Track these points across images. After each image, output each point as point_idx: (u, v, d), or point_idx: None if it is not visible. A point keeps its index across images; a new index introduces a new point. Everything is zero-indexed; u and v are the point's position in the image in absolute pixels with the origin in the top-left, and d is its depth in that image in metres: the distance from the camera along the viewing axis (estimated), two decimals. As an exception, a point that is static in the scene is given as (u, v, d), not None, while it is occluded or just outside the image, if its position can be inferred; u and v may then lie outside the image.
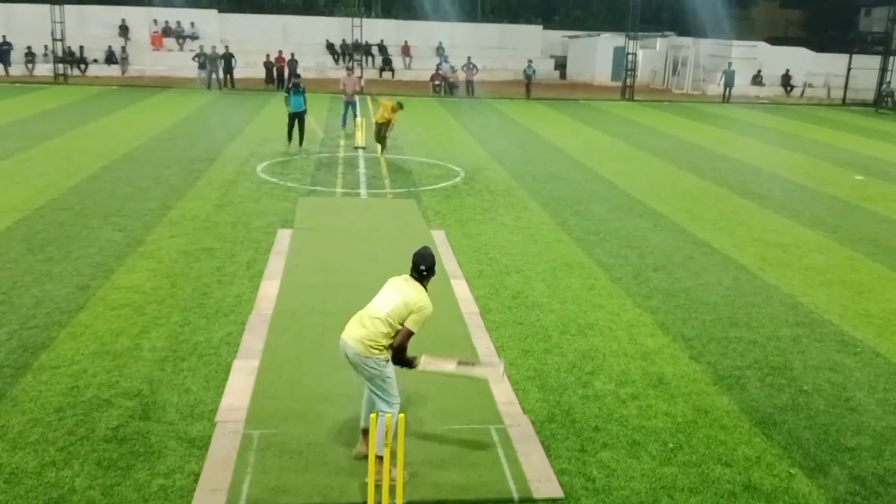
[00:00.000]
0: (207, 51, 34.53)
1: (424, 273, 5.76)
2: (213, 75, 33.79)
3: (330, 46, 41.68)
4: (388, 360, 5.66)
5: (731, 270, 10.99)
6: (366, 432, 5.77)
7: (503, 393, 7.06)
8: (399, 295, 5.64)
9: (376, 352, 5.56)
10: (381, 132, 18.97)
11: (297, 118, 19.10)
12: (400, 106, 18.96)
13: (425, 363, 5.80)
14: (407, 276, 5.79)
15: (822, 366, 7.96)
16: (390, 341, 5.60)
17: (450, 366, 5.93)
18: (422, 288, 5.71)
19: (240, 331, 8.25)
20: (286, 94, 19.73)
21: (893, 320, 9.35)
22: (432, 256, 5.83)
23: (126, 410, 6.52)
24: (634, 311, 9.31)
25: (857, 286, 10.57)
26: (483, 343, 8.18)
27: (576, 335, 8.50)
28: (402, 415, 5.35)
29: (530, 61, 35.81)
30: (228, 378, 7.13)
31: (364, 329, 5.61)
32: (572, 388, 7.25)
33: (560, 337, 8.43)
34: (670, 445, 6.32)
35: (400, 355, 5.65)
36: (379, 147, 19.02)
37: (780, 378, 7.63)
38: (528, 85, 35.24)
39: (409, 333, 5.60)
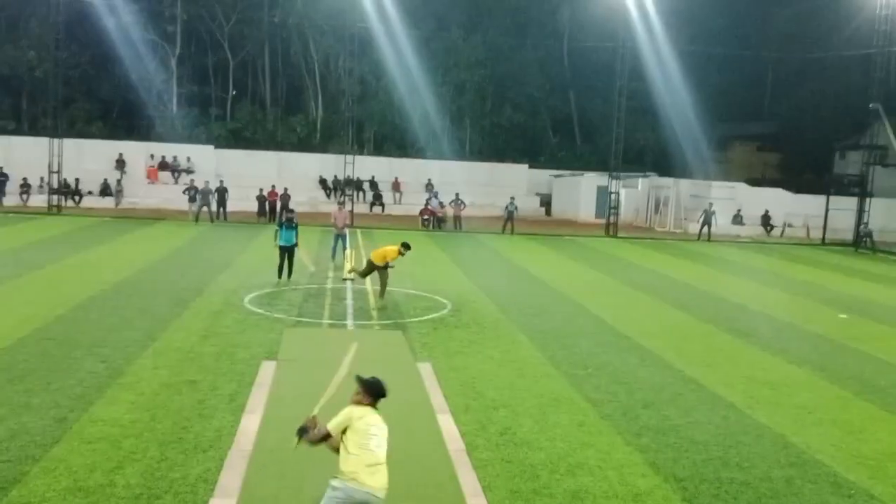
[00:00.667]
0: (199, 184, 35.11)
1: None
2: (205, 208, 33.92)
3: (322, 181, 42.73)
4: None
5: (720, 408, 10.87)
6: None
7: (490, 536, 6.80)
8: (385, 435, 6.05)
9: None
10: (371, 270, 17.51)
11: (287, 252, 19.27)
12: (407, 247, 17.47)
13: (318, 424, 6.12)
14: (371, 410, 6.10)
15: (818, 509, 7.75)
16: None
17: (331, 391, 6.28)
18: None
19: (218, 467, 8.00)
20: (277, 228, 19.84)
21: (886, 462, 9.20)
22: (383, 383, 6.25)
23: (95, 552, 6.21)
24: (624, 449, 9.13)
25: (847, 426, 10.45)
26: (468, 481, 7.95)
27: (565, 475, 8.28)
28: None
29: (512, 198, 36.20)
30: (204, 518, 6.86)
31: (385, 476, 5.90)
32: (561, 531, 6.99)
33: (549, 477, 8.21)
34: None
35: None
36: (354, 277, 18.83)
37: (776, 522, 7.41)
38: (509, 221, 35.23)
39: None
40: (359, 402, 6.06)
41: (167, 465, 8.02)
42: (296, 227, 19.58)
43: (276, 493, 7.43)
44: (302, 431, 6.10)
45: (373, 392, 6.11)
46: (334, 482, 5.81)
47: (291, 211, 21.87)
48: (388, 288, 17.37)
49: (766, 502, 7.84)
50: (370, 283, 19.15)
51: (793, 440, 9.72)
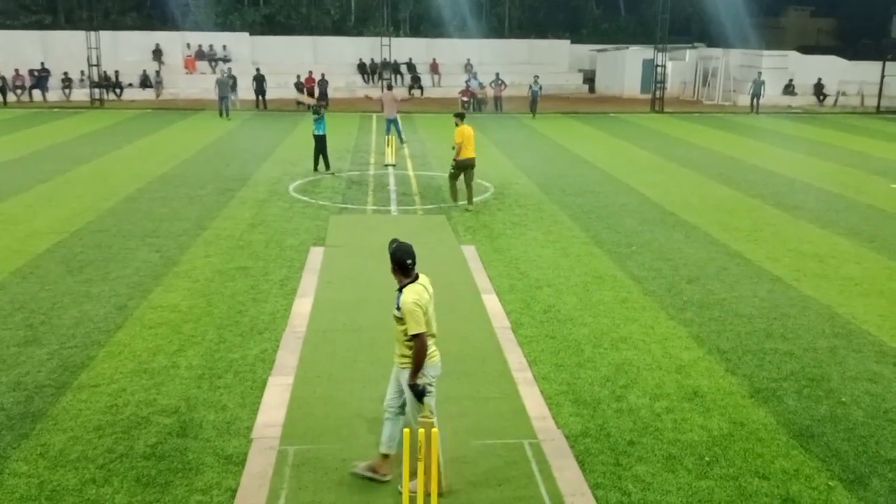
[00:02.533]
0: (218, 75, 33.15)
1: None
2: (225, 101, 30.96)
3: (361, 66, 42.02)
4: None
5: (765, 282, 10.87)
6: (385, 457, 5.87)
7: (536, 407, 7.05)
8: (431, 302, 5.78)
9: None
10: (468, 177, 15.04)
11: (319, 141, 18.79)
12: (461, 117, 15.77)
13: None
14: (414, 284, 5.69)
15: (861, 377, 7.83)
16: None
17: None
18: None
19: (274, 348, 8.34)
20: (314, 116, 19.08)
21: (934, 330, 9.17)
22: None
23: (164, 428, 6.62)
24: (668, 323, 9.25)
25: (894, 296, 10.39)
26: (515, 357, 8.17)
27: (609, 349, 8.46)
28: (434, 429, 5.37)
29: (536, 77, 34.28)
30: (264, 395, 7.22)
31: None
32: (606, 402, 7.21)
33: (593, 351, 8.40)
34: (706, 459, 6.26)
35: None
36: (460, 197, 15.35)
37: (818, 390, 7.53)
38: (532, 102, 33.55)
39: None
40: (402, 282, 5.67)
41: (226, 346, 8.38)
42: (324, 116, 18.80)
43: (330, 370, 7.75)
44: (420, 394, 5.60)
45: (398, 264, 5.65)
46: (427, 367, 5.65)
47: (320, 101, 21.13)
48: (431, 174, 16.65)
49: (809, 371, 7.94)
50: (412, 169, 19.15)
51: (838, 311, 9.72)
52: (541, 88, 33.83)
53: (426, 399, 5.60)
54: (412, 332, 5.50)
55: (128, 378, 7.58)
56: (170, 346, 8.37)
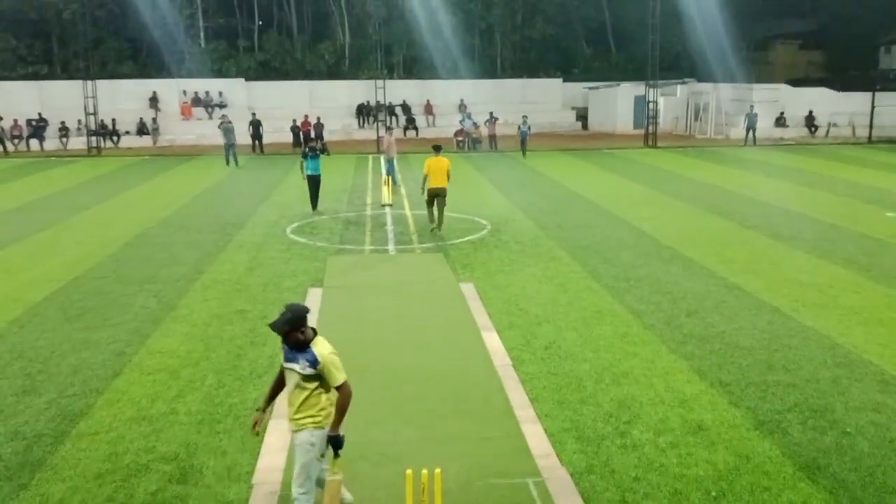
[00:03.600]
0: (221, 121, 32.08)
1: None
2: (232, 148, 30.26)
3: (360, 109, 42.32)
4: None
5: (764, 313, 10.86)
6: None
7: (540, 445, 6.99)
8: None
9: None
10: (439, 204, 16.40)
11: (315, 181, 19.25)
12: (439, 148, 17.04)
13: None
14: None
15: (865, 407, 7.79)
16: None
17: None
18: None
19: (274, 391, 8.28)
20: (303, 160, 19.36)
21: (936, 358, 9.15)
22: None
23: (164, 475, 6.55)
24: (669, 357, 9.22)
25: (894, 324, 10.38)
26: (516, 395, 8.13)
27: (611, 384, 8.42)
28: (438, 470, 5.31)
29: (525, 118, 34.30)
30: (264, 439, 7.15)
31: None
32: (610, 438, 7.16)
33: (595, 386, 8.36)
34: (713, 493, 6.20)
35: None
36: (431, 220, 16.66)
37: (822, 420, 7.48)
38: (522, 142, 33.41)
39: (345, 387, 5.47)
40: (304, 341, 5.54)
41: (225, 391, 8.33)
42: (319, 156, 19.34)
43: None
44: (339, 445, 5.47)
45: (301, 321, 5.53)
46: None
47: (315, 140, 21.45)
48: (426, 212, 17.10)
49: (812, 402, 7.90)
50: (409, 209, 19.28)
51: (839, 341, 9.70)
52: (529, 129, 33.87)
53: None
54: (338, 381, 5.34)
55: (127, 425, 7.51)
56: (168, 391, 8.32)
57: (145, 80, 42.31)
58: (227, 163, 30.01)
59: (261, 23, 51.73)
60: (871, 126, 38.44)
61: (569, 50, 53.71)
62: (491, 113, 37.04)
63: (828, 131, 40.61)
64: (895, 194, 21.69)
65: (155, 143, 38.58)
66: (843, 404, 7.85)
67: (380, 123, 36.66)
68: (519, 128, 34.15)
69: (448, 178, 16.46)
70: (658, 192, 22.17)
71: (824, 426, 7.36)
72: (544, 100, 44.33)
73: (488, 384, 8.43)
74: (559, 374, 8.71)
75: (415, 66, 49.92)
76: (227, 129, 30.50)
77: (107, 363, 9.16)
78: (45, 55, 46.91)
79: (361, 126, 41.85)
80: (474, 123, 37.48)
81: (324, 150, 19.63)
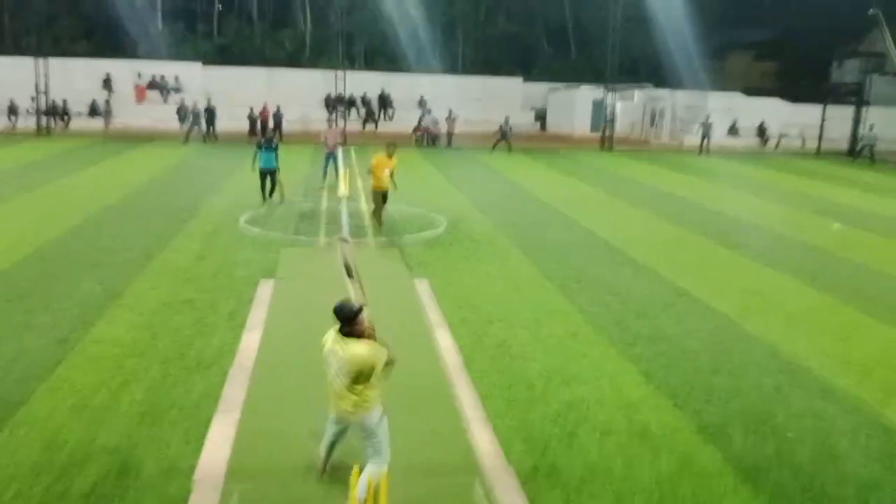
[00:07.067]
0: (189, 105, 34.50)
1: (349, 324, 5.68)
2: (196, 128, 33.20)
3: (327, 100, 41.90)
4: (382, 412, 5.74)
5: (711, 318, 11.05)
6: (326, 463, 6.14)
7: (487, 445, 7.00)
8: (339, 361, 5.64)
9: (369, 405, 5.68)
10: (382, 204, 16.30)
11: (268, 174, 18.84)
12: (393, 147, 16.47)
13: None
14: (336, 336, 5.74)
15: (805, 414, 7.97)
16: (375, 391, 5.68)
17: (354, 287, 6.05)
18: (354, 340, 5.64)
19: (221, 383, 8.16)
20: (256, 150, 19.05)
21: (873, 367, 9.41)
22: (349, 306, 5.73)
23: (104, 467, 6.40)
24: (618, 359, 9.32)
25: (836, 333, 10.65)
26: (466, 393, 8.13)
27: (560, 385, 8.47)
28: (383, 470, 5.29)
29: (507, 117, 35.33)
30: (209, 432, 7.03)
31: (343, 403, 5.73)
32: (557, 439, 7.20)
33: (544, 386, 8.40)
34: (656, 497, 6.27)
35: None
36: (373, 222, 16.44)
37: (764, 426, 7.63)
38: (504, 140, 34.38)
39: (392, 363, 5.73)
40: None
41: (170, 382, 8.17)
42: (276, 149, 18.87)
43: (279, 408, 7.60)
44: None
45: (336, 315, 5.77)
46: None
47: (274, 131, 21.31)
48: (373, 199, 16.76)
49: (755, 408, 8.05)
50: (365, 202, 19.18)
51: (783, 348, 9.91)
52: (511, 129, 34.64)
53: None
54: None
55: (67, 415, 7.32)
56: (112, 381, 8.13)
57: (99, 61, 41.39)
58: (186, 141, 31.40)
59: (220, 7, 50.99)
60: (820, 138, 39.41)
61: (530, 49, 54.07)
62: (450, 110, 37.06)
63: (778, 142, 41.52)
64: (842, 206, 22.27)
65: (107, 125, 37.76)
66: (784, 411, 8.02)
67: (338, 115, 36.43)
68: (501, 127, 34.54)
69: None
70: (612, 196, 22.41)
71: (766, 432, 7.51)
72: (504, 98, 44.49)
73: (438, 382, 8.42)
74: (509, 374, 8.74)
75: (375, 58, 49.72)
76: (195, 111, 32.52)
77: (48, 350, 8.91)
78: (-6, 29, 45.66)
79: (331, 117, 41.54)
80: (434, 120, 37.47)
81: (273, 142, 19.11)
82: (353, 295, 5.84)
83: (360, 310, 5.67)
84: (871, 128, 37.11)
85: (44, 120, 34.98)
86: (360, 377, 5.57)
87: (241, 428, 7.13)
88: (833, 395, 8.47)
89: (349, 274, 5.85)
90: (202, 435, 6.97)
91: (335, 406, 5.80)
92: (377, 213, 16.39)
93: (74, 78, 38.76)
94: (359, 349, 5.57)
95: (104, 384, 8.03)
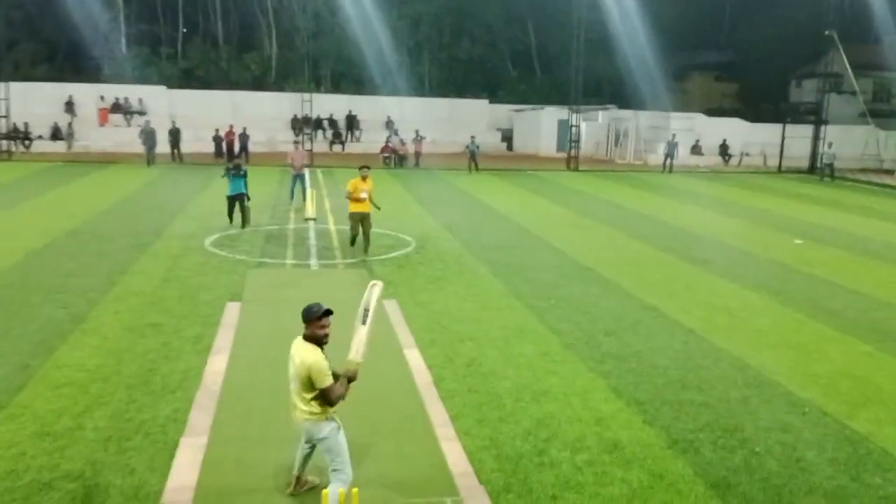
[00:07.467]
0: (144, 126, 34.38)
1: (310, 325, 5.80)
2: (148, 149, 32.90)
3: (293, 121, 41.68)
4: (338, 427, 5.73)
5: (679, 334, 11.14)
6: (298, 479, 6.14)
7: (459, 464, 6.97)
8: (294, 366, 5.75)
9: (316, 417, 5.70)
10: (363, 227, 15.93)
11: (236, 201, 18.46)
12: (367, 169, 16.34)
13: (350, 365, 5.85)
14: (298, 340, 5.87)
15: (773, 427, 8.05)
16: (323, 404, 5.72)
17: (361, 335, 5.91)
18: (311, 347, 5.74)
19: (187, 408, 8.03)
20: (223, 176, 18.83)
21: (838, 379, 9.55)
22: (315, 307, 5.82)
23: (67, 494, 6.25)
24: (588, 376, 9.35)
25: (801, 347, 10.80)
26: (437, 412, 8.09)
27: (530, 402, 8.47)
28: (355, 489, 5.24)
29: (473, 137, 35.40)
30: (175, 457, 6.91)
31: (295, 412, 5.78)
32: (528, 456, 7.19)
33: (514, 404, 8.40)
34: (627, 511, 6.28)
35: (335, 400, 5.74)
36: (357, 244, 16.08)
37: (733, 440, 7.69)
38: (473, 160, 34.37)
39: (328, 391, 5.65)
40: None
41: (136, 407, 8.02)
42: (244, 176, 18.42)
43: (245, 432, 7.50)
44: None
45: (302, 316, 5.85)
46: None
47: (239, 156, 21.11)
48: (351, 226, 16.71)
49: (723, 422, 8.12)
50: (333, 223, 19.10)
51: (749, 362, 10.02)
52: (478, 147, 34.92)
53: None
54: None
55: (29, 441, 7.15)
56: (75, 406, 7.96)
57: (61, 84, 40.86)
58: (148, 164, 31.64)
59: (185, 30, 50.79)
60: (780, 156, 40.15)
61: (495, 70, 54.51)
62: (417, 131, 37.19)
63: (740, 160, 42.24)
64: (803, 222, 22.68)
65: (69, 148, 37.23)
66: (752, 424, 8.09)
67: (304, 137, 36.34)
68: (467, 147, 34.75)
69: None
70: (579, 215, 22.59)
71: (734, 445, 7.57)
72: (471, 120, 44.72)
73: (409, 402, 8.37)
74: (480, 392, 8.72)
75: (342, 81, 49.77)
76: (148, 133, 32.22)
77: (9, 376, 8.71)
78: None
79: (298, 139, 41.34)
80: (402, 141, 37.54)
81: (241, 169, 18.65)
82: (355, 340, 5.86)
83: (324, 313, 5.73)
84: (830, 146, 37.89)
85: (4, 144, 34.43)
86: (307, 384, 5.63)
87: (208, 453, 7.01)
88: (800, 408, 8.58)
89: (363, 321, 5.81)
90: (168, 460, 6.85)
91: (291, 412, 5.85)
92: (354, 237, 16.12)
93: (36, 101, 38.16)
94: (307, 355, 5.64)
95: (67, 410, 7.86)
